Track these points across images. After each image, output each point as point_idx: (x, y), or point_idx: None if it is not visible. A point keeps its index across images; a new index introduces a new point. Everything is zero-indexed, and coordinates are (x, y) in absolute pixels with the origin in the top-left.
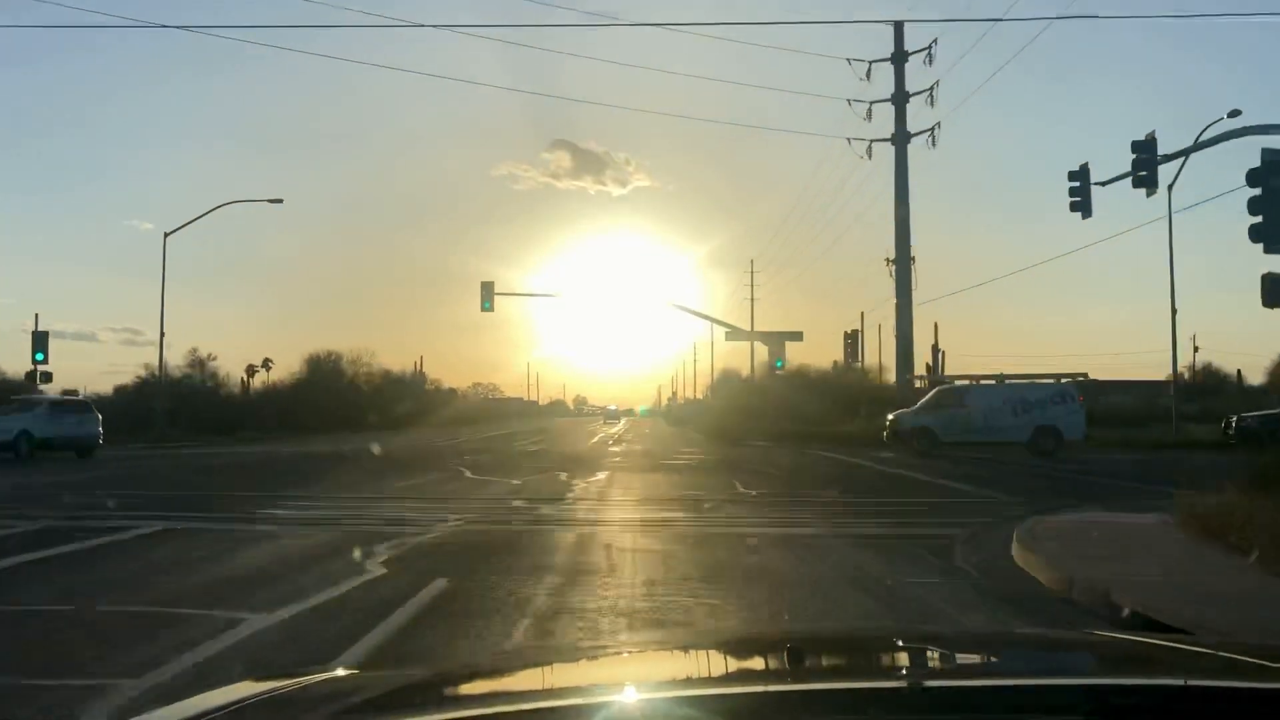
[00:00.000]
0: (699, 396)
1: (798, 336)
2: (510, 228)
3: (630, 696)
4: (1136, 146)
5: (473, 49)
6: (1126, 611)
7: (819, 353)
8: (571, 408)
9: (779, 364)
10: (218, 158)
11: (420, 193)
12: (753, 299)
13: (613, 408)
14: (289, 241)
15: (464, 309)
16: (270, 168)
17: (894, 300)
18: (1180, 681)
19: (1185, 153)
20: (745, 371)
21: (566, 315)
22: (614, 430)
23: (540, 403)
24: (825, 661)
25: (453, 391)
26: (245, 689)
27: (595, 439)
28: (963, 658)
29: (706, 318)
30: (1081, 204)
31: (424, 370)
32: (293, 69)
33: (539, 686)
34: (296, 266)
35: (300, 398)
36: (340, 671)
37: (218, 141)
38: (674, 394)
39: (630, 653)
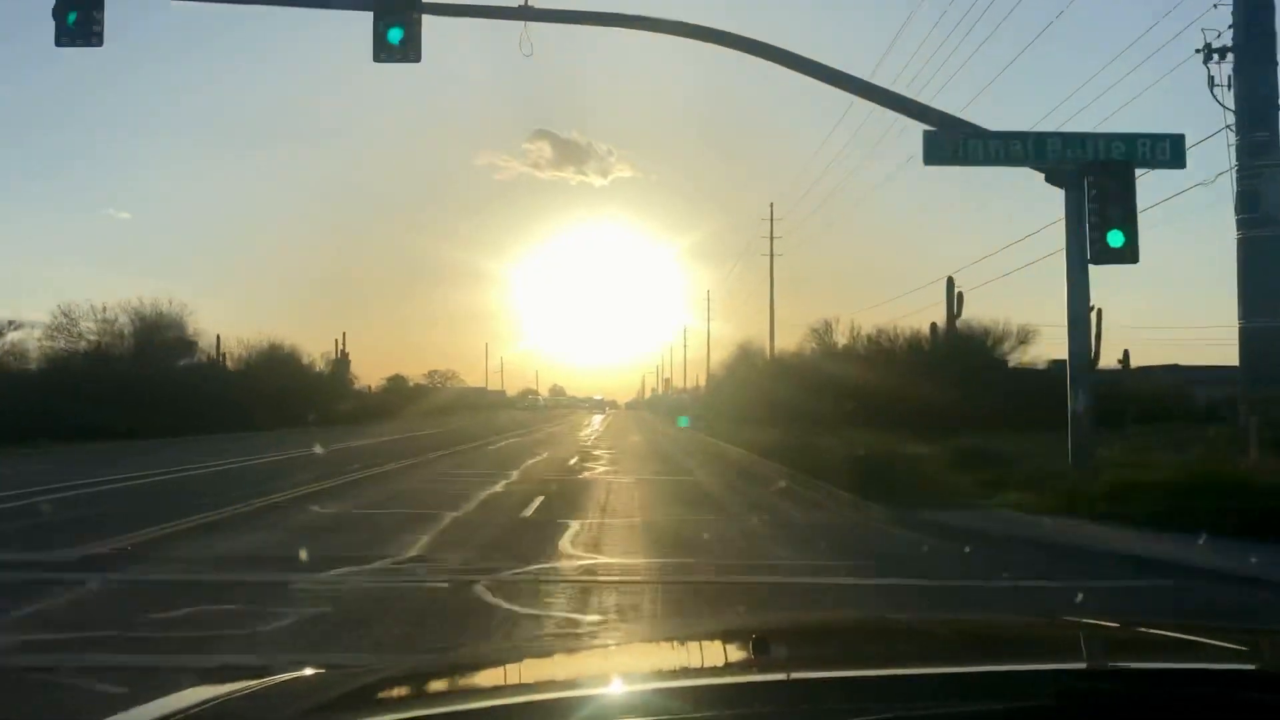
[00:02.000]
0: (697, 384)
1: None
2: (492, 218)
3: (599, 691)
4: None
5: (453, 36)
6: None
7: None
8: (542, 400)
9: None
10: (194, 149)
11: (401, 183)
12: (772, 253)
13: (598, 397)
14: (268, 232)
15: (446, 299)
16: (247, 159)
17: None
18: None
19: None
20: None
21: (549, 305)
22: (585, 434)
23: (508, 394)
24: (795, 652)
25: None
26: (205, 692)
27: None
28: (930, 643)
29: None
30: None
31: (346, 355)
32: (270, 57)
33: (501, 683)
34: (274, 257)
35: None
36: (307, 671)
37: (194, 132)
38: (667, 382)
39: (601, 649)
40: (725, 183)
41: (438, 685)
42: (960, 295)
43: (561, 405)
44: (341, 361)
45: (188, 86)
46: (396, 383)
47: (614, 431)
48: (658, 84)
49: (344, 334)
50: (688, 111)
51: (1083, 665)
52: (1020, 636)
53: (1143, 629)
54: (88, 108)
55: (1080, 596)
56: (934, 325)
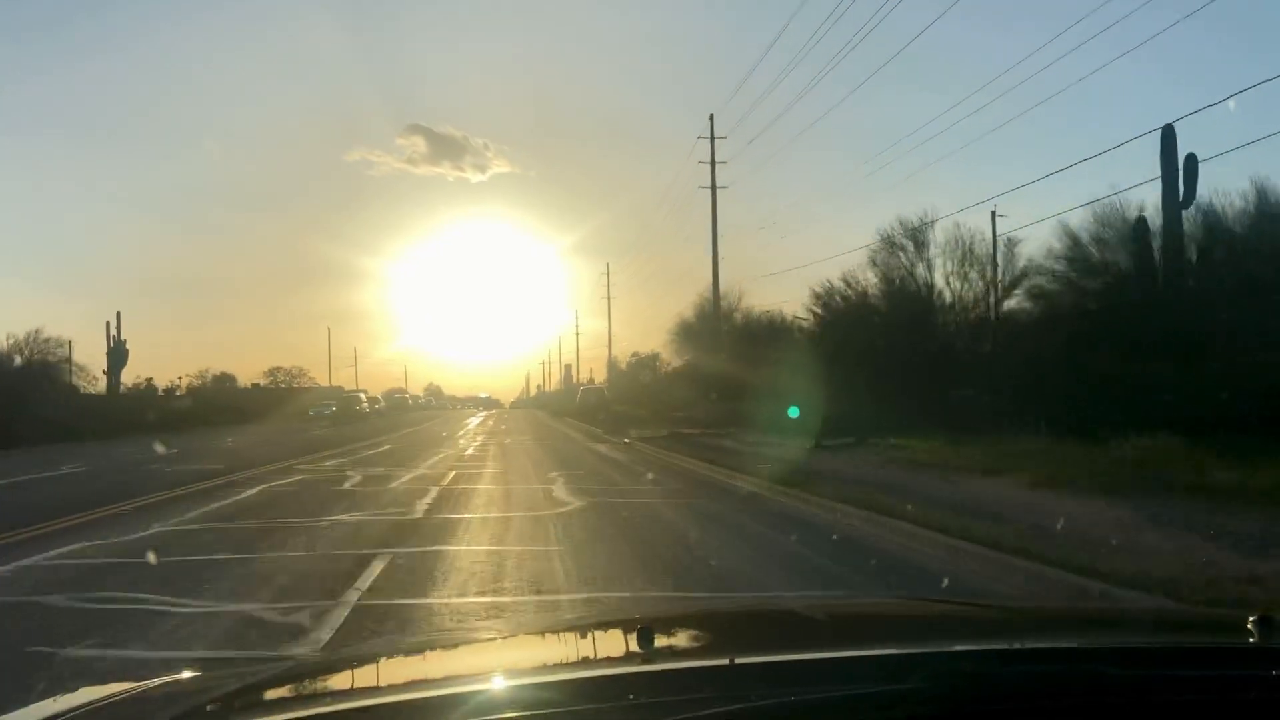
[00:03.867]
0: (597, 381)
1: None
2: (367, 216)
3: (479, 687)
4: None
5: (312, 20)
6: None
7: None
8: (414, 400)
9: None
10: (46, 146)
11: (267, 181)
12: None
13: (484, 395)
14: (126, 234)
15: (322, 298)
16: (102, 157)
17: None
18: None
19: None
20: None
21: (428, 304)
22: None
23: (370, 392)
24: (678, 641)
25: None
26: (86, 695)
27: None
28: (815, 628)
29: None
30: None
31: (123, 345)
32: (122, 47)
33: (383, 682)
34: (135, 261)
35: None
36: (185, 674)
37: (43, 130)
38: (589, 378)
39: (486, 643)
40: (605, 179)
41: (316, 685)
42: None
43: (429, 407)
44: (116, 353)
45: (35, 72)
46: (222, 382)
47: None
48: (532, 73)
49: (118, 314)
50: (566, 105)
51: (957, 646)
52: (896, 619)
53: (1010, 608)
54: None
55: (945, 581)
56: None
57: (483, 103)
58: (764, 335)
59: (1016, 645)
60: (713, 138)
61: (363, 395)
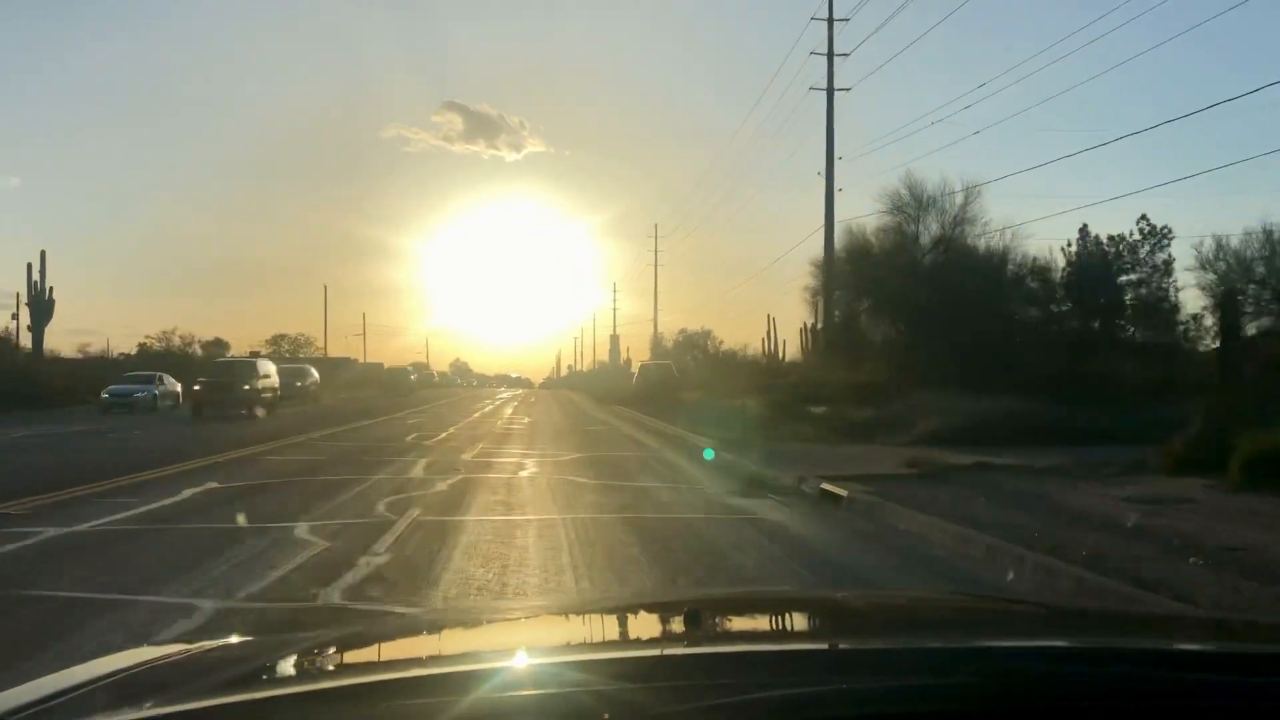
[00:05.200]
0: (661, 360)
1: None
2: (400, 191)
3: (526, 661)
4: None
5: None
6: None
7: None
8: (441, 376)
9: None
10: (88, 116)
11: (306, 156)
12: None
13: (514, 375)
14: (170, 208)
15: (355, 273)
16: (143, 130)
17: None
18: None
19: None
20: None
21: (461, 282)
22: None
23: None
24: (727, 626)
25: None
26: (137, 655)
27: None
28: (857, 620)
29: None
30: None
31: (49, 295)
32: (167, 24)
33: (430, 653)
34: (176, 235)
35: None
36: (234, 639)
37: (88, 99)
38: (625, 357)
39: (537, 619)
40: (640, 160)
41: (356, 657)
42: None
43: (450, 384)
44: (38, 305)
45: (78, 48)
46: (215, 348)
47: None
48: (569, 54)
49: (42, 254)
50: (603, 85)
51: (1011, 643)
52: (951, 614)
53: (1065, 609)
54: None
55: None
56: None
57: (519, 81)
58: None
59: (1071, 644)
60: (831, 20)
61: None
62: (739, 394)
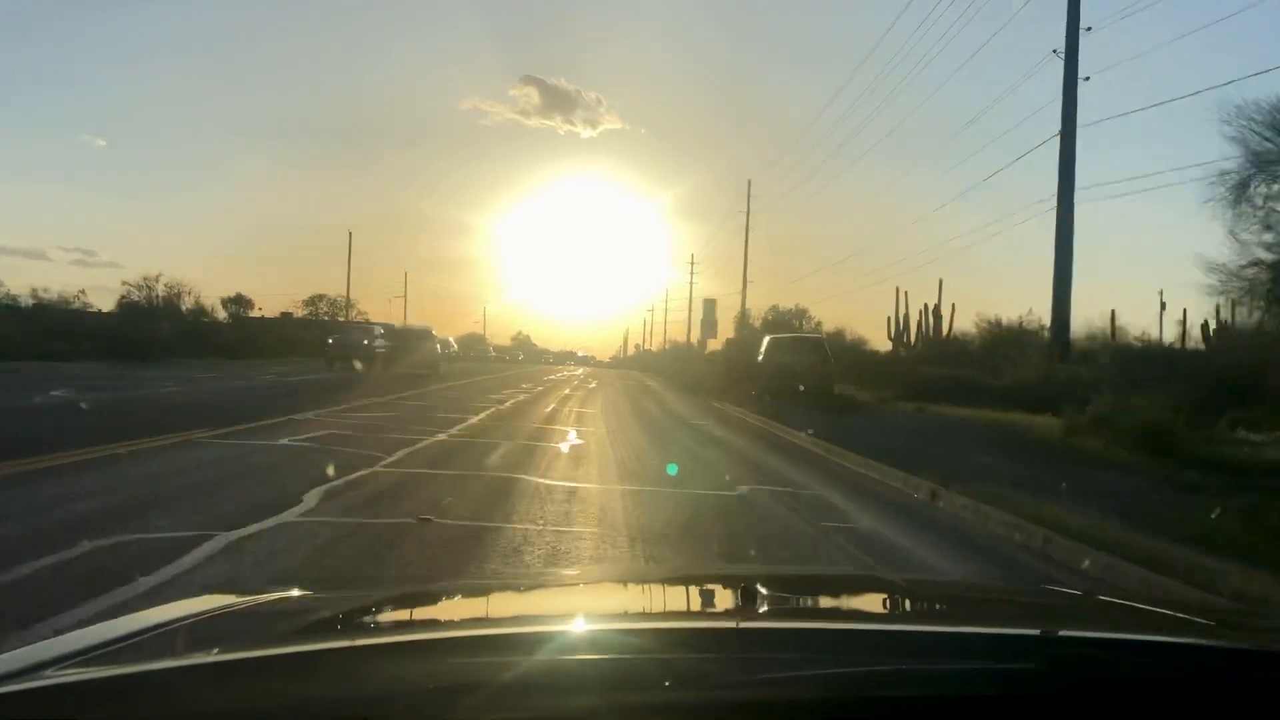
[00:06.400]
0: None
1: None
2: (476, 164)
3: (579, 626)
4: None
5: None
6: None
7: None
8: (496, 351)
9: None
10: (174, 77)
11: (384, 125)
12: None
13: (580, 354)
14: (247, 172)
15: (431, 246)
16: (227, 94)
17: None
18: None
19: None
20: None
21: (532, 257)
22: None
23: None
24: (783, 603)
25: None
26: (202, 603)
27: None
28: (918, 604)
29: None
30: None
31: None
32: None
33: (494, 614)
34: (257, 199)
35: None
36: (295, 592)
37: (175, 60)
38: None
39: (597, 585)
40: (718, 140)
41: (417, 614)
42: None
43: (509, 360)
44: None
45: (168, 13)
46: (236, 305)
47: None
48: (647, 30)
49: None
50: (682, 63)
51: (1072, 633)
52: (1008, 602)
53: (1126, 603)
54: (62, 25)
55: (1086, 562)
56: None
57: (598, 57)
58: None
59: (1133, 637)
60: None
61: (379, 329)
62: (910, 392)
